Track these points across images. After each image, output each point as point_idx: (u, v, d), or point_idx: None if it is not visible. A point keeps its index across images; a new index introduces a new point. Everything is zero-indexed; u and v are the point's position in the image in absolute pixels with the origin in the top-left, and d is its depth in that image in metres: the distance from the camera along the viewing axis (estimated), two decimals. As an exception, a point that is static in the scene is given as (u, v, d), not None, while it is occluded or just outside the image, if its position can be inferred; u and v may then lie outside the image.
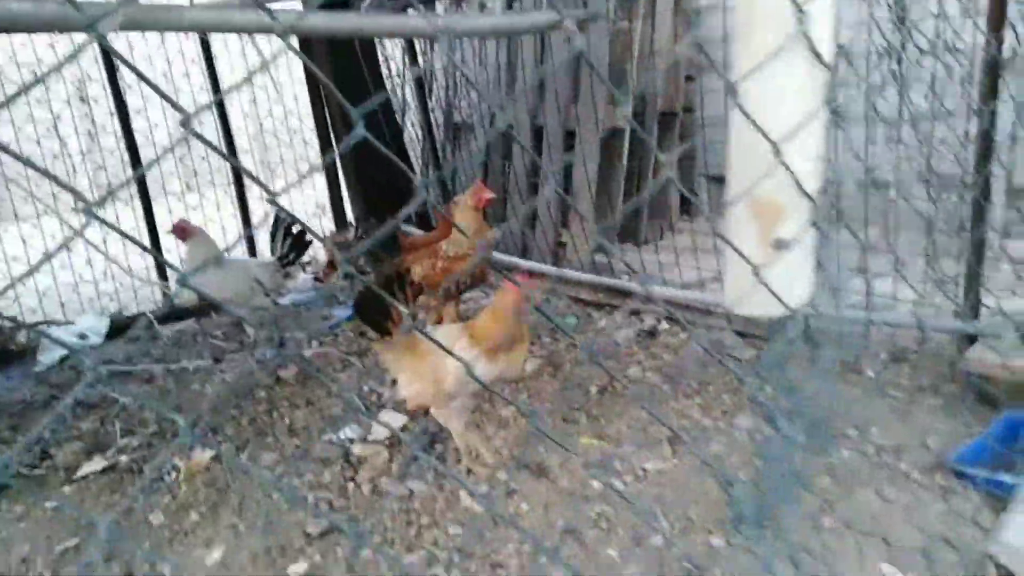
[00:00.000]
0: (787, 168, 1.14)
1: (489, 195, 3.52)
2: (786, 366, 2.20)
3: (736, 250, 1.22)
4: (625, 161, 4.91)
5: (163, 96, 0.87)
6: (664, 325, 3.74)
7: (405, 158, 5.86)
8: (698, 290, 3.89)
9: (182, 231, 3.68)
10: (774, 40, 1.11)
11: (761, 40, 1.15)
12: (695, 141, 5.33)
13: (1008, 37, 2.66)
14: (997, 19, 2.62)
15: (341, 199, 5.95)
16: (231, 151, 5.31)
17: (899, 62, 3.37)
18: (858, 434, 2.53)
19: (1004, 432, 2.23)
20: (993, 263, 2.97)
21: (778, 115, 1.16)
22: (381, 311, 2.53)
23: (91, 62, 4.84)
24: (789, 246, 1.18)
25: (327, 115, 5.64)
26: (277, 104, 6.11)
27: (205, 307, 4.78)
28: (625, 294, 4.20)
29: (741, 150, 1.24)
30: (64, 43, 4.99)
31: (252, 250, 5.34)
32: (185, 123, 0.88)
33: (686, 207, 5.96)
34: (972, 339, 2.76)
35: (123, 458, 2.99)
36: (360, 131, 0.89)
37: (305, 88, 5.69)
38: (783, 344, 1.77)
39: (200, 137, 0.78)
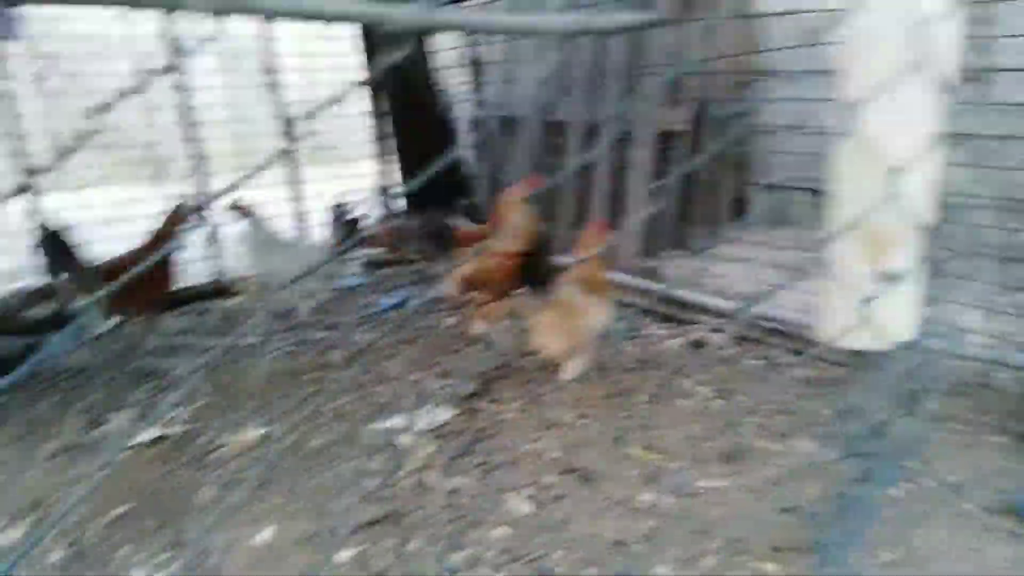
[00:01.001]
0: (903, 198, 1.10)
1: (539, 182, 3.52)
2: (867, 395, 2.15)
3: (840, 281, 1.19)
4: (680, 165, 4.84)
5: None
6: (715, 338, 3.68)
7: (455, 149, 5.86)
8: (752, 303, 3.83)
9: (242, 210, 3.73)
10: (894, 62, 1.07)
11: (880, 61, 1.11)
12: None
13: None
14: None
15: (390, 186, 5.98)
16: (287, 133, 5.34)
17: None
18: (920, 467, 2.45)
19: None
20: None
21: (895, 141, 1.11)
22: (544, 271, 3.08)
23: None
24: (900, 279, 1.14)
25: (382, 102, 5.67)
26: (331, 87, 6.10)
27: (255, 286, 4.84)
28: (674, 302, 4.14)
29: (852, 176, 1.20)
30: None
31: (303, 233, 5.39)
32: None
33: (736, 215, 5.87)
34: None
35: (175, 429, 3.05)
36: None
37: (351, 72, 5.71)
38: (885, 377, 1.72)
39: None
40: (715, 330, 3.76)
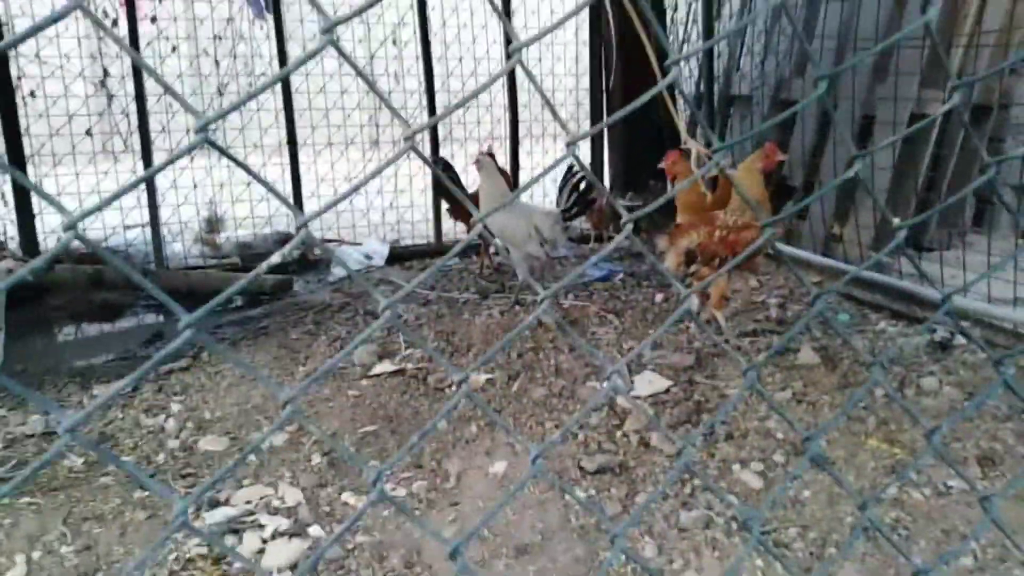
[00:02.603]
0: None
1: (781, 156, 3.38)
2: None
3: None
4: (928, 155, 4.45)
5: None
6: (960, 339, 3.36)
7: (672, 123, 5.76)
8: (1006, 308, 3.45)
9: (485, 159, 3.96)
10: None
11: None
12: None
13: None
14: None
15: (602, 160, 6.02)
16: (513, 108, 5.51)
17: None
18: None
19: None
20: None
21: None
22: None
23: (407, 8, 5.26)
24: None
25: (603, 75, 5.70)
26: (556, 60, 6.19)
27: (472, 245, 5.12)
28: (909, 299, 3.83)
29: None
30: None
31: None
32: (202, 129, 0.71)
33: (979, 217, 5.29)
34: None
35: (409, 365, 3.32)
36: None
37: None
38: None
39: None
40: (961, 332, 3.43)
